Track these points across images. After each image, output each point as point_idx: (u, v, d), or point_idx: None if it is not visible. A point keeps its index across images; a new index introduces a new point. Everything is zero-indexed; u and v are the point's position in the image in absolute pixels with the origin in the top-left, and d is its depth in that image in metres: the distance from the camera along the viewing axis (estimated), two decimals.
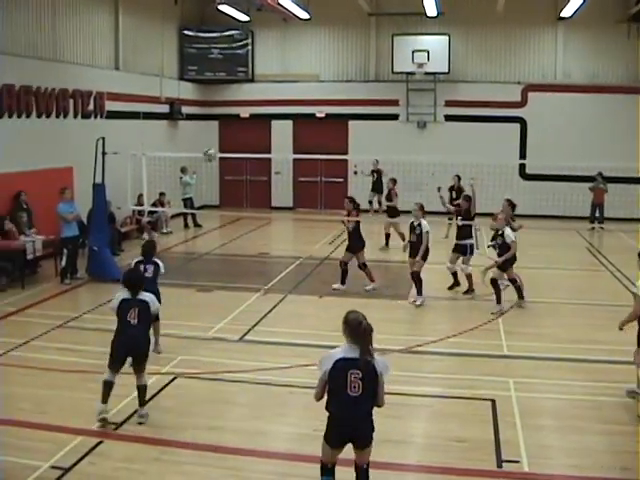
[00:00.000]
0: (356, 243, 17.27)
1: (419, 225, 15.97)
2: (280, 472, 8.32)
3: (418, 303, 16.01)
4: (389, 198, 22.81)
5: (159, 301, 10.39)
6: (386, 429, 9.32)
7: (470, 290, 17.06)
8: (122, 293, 9.57)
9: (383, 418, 9.65)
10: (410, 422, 9.92)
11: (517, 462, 8.54)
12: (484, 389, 10.83)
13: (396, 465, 8.54)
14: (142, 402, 9.62)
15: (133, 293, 9.53)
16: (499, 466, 8.48)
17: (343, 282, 17.23)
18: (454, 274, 17.55)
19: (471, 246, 17.24)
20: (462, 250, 17.10)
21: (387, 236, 22.93)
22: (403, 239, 21.10)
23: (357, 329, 6.97)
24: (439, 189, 19.14)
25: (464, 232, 17.23)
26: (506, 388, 10.87)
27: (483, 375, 11.53)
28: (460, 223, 17.24)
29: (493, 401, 10.30)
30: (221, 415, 9.88)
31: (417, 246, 15.99)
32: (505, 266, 15.62)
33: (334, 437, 7.00)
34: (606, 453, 8.89)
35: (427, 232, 15.95)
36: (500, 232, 15.71)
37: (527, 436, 9.18)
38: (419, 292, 16.15)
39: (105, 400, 9.31)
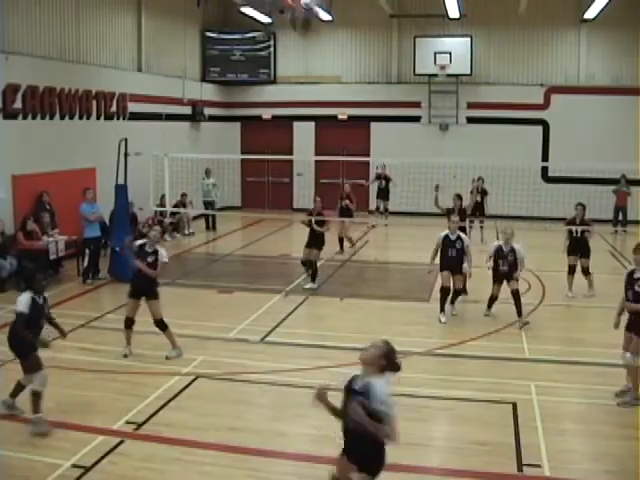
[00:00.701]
0: (321, 241, 17.96)
1: (459, 239, 15.12)
2: (299, 473, 8.32)
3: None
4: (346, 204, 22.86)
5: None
6: (408, 432, 9.31)
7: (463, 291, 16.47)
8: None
9: (405, 421, 9.66)
10: (432, 425, 9.91)
11: (538, 466, 8.49)
12: (505, 392, 10.79)
13: (417, 468, 8.52)
14: None
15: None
16: (520, 470, 8.44)
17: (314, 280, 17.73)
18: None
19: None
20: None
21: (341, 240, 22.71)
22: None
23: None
24: (437, 187, 18.81)
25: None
26: (527, 392, 10.82)
27: (504, 378, 11.48)
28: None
29: (514, 404, 10.26)
30: (241, 416, 9.90)
31: (457, 261, 15.12)
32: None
33: None
34: (629, 459, 8.82)
35: (468, 245, 15.24)
36: (510, 248, 14.85)
37: (548, 440, 9.13)
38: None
39: None
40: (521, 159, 28.31)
